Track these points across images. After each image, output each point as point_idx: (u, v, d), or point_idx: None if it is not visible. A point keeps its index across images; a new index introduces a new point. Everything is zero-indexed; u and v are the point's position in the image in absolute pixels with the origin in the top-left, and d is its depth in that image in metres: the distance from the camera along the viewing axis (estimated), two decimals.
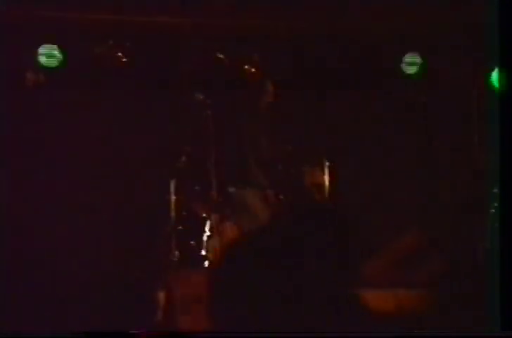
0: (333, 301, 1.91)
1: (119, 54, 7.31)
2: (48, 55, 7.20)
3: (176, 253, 6.90)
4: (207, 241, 6.92)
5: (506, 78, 2.85)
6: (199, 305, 5.23)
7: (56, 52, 7.19)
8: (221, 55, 7.39)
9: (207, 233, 7.01)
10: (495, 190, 6.28)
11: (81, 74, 7.28)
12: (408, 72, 7.59)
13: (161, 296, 6.01)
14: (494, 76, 7.08)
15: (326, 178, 7.06)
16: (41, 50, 7.19)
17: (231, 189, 7.04)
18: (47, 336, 2.19)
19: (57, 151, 7.31)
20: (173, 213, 6.87)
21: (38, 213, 7.13)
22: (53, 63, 7.21)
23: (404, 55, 7.57)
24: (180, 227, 6.91)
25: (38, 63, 7.20)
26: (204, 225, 7.08)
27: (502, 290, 2.41)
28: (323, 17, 7.17)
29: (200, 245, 7.01)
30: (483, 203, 6.52)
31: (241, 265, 2.13)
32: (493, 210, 6.27)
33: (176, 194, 6.88)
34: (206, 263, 6.88)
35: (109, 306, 4.96)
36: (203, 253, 6.95)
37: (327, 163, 7.01)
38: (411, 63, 7.54)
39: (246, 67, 7.52)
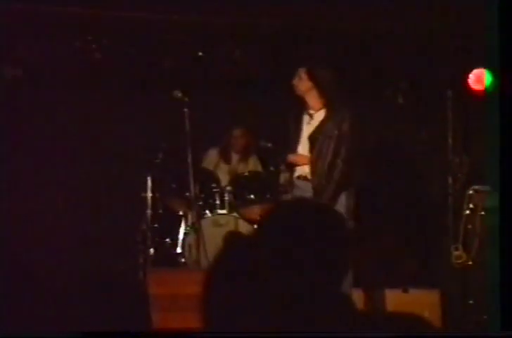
0: (321, 302, 1.92)
1: (96, 50, 7.26)
2: None
3: (152, 250, 6.90)
4: (183, 239, 6.92)
5: (506, 79, 2.88)
6: (175, 303, 5.23)
7: None
8: (201, 53, 7.38)
9: (184, 231, 7.01)
10: (470, 192, 6.33)
11: (53, 70, 7.21)
12: None
13: (135, 293, 6.00)
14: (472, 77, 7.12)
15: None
16: None
17: (210, 187, 7.04)
18: (45, 336, 2.18)
19: (29, 148, 7.26)
20: (149, 211, 6.86)
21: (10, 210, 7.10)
22: None
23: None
24: (156, 225, 6.91)
25: None
26: (180, 223, 7.09)
27: (502, 290, 2.43)
28: (305, 17, 7.17)
29: (176, 243, 7.02)
30: (457, 205, 6.57)
31: (222, 264, 2.13)
32: (467, 212, 6.31)
33: (152, 191, 6.88)
34: (182, 261, 6.88)
35: (84, 305, 4.95)
36: (179, 250, 6.96)
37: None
38: None
39: (226, 65, 7.53)
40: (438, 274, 6.68)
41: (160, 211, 7.06)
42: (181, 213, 7.11)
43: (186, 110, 6.41)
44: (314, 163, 5.62)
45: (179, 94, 6.42)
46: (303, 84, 5.63)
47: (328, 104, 5.63)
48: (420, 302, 5.94)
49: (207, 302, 2.03)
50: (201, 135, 6.82)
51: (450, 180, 6.65)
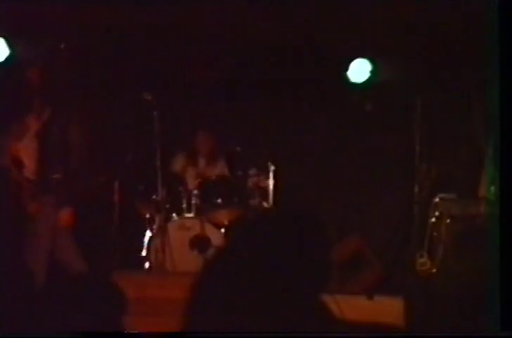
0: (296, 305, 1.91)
1: (65, 50, 7.20)
2: None
3: (117, 253, 6.86)
4: (149, 241, 6.89)
5: (506, 79, 2.89)
6: (141, 305, 5.21)
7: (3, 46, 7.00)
8: (170, 56, 7.38)
9: (150, 234, 6.98)
10: (436, 200, 6.38)
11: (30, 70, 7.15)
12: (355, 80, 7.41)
13: (99, 296, 5.96)
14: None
15: (270, 183, 7.06)
16: None
17: (177, 190, 7.02)
18: (43, 336, 2.16)
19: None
20: (116, 213, 6.82)
21: None
22: None
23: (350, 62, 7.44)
24: (122, 227, 6.88)
25: None
26: (147, 226, 7.05)
27: (502, 290, 2.44)
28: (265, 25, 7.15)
29: (142, 246, 6.98)
30: (423, 212, 6.61)
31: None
32: (433, 220, 6.36)
33: (119, 194, 6.84)
34: (147, 264, 6.84)
35: (46, 306, 4.90)
36: (144, 253, 6.92)
37: (272, 168, 7.01)
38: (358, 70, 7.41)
39: (195, 68, 7.54)
40: (403, 281, 6.71)
41: (127, 213, 7.03)
42: (147, 215, 7.07)
43: (155, 112, 6.40)
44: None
45: (149, 96, 6.42)
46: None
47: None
48: (384, 309, 5.96)
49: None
50: (170, 138, 6.81)
51: (416, 188, 6.70)
